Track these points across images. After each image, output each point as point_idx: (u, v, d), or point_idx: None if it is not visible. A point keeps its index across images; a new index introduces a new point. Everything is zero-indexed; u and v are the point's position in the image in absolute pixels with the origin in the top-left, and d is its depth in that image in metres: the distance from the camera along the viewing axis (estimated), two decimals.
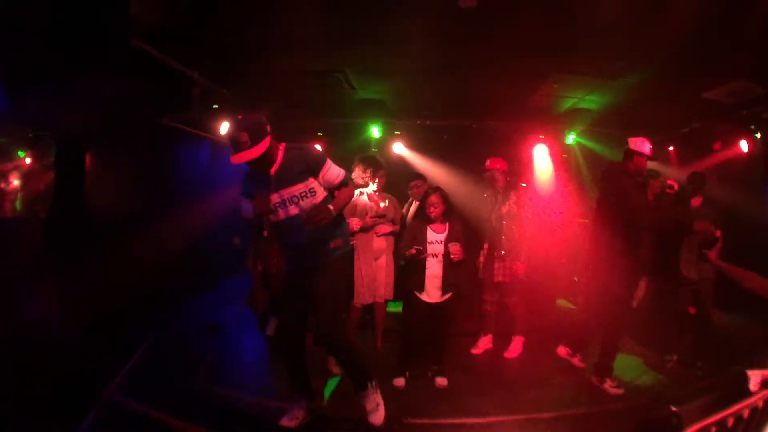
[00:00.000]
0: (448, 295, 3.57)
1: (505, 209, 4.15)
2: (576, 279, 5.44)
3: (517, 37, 3.53)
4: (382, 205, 3.93)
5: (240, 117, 2.56)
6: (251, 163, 2.51)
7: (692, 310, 3.96)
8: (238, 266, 4.59)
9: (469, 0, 3.08)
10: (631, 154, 3.43)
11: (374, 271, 3.96)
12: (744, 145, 5.45)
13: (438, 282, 3.53)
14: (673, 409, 2.00)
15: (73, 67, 3.28)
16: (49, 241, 3.66)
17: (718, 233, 3.08)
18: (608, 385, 3.46)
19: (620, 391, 3.43)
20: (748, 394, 1.99)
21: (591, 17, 3.12)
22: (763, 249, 5.23)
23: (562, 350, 3.74)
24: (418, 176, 4.45)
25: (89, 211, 3.89)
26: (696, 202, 4.08)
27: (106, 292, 3.54)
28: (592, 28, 3.28)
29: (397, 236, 4.05)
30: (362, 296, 3.90)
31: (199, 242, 5.13)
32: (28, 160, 5.59)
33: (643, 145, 3.41)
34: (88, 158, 4.06)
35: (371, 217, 3.89)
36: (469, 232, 4.08)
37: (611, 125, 5.73)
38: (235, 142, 2.44)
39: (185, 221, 4.81)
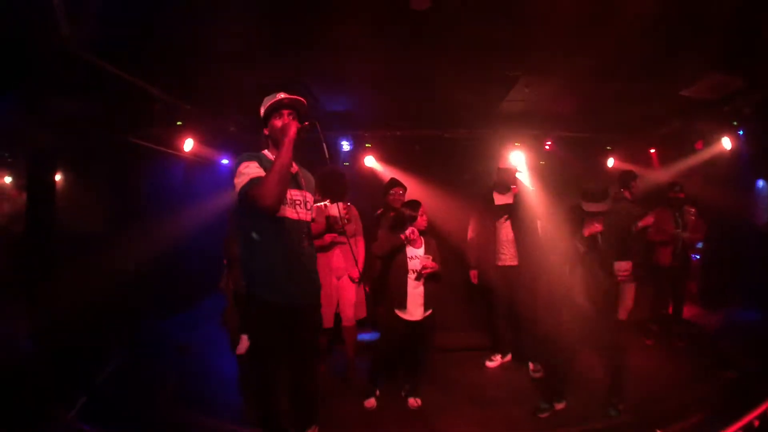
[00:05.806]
0: (429, 312, 3.38)
1: None
2: None
3: (478, 39, 3.34)
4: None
5: None
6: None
7: None
8: (211, 286, 4.41)
9: (421, 2, 2.92)
10: None
11: (336, 292, 3.71)
12: (726, 143, 5.28)
13: (420, 299, 3.34)
14: None
15: (29, 85, 3.12)
16: (20, 257, 3.54)
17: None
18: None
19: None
20: None
21: (550, 14, 2.96)
22: (751, 247, 5.09)
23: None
24: (398, 183, 4.15)
25: (59, 229, 3.75)
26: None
27: (75, 311, 3.42)
28: (553, 25, 3.11)
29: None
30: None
31: (173, 261, 5.00)
32: (8, 179, 5.45)
33: None
34: (58, 176, 3.89)
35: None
36: (445, 245, 3.93)
37: (588, 129, 5.58)
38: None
39: (158, 239, 4.66)
